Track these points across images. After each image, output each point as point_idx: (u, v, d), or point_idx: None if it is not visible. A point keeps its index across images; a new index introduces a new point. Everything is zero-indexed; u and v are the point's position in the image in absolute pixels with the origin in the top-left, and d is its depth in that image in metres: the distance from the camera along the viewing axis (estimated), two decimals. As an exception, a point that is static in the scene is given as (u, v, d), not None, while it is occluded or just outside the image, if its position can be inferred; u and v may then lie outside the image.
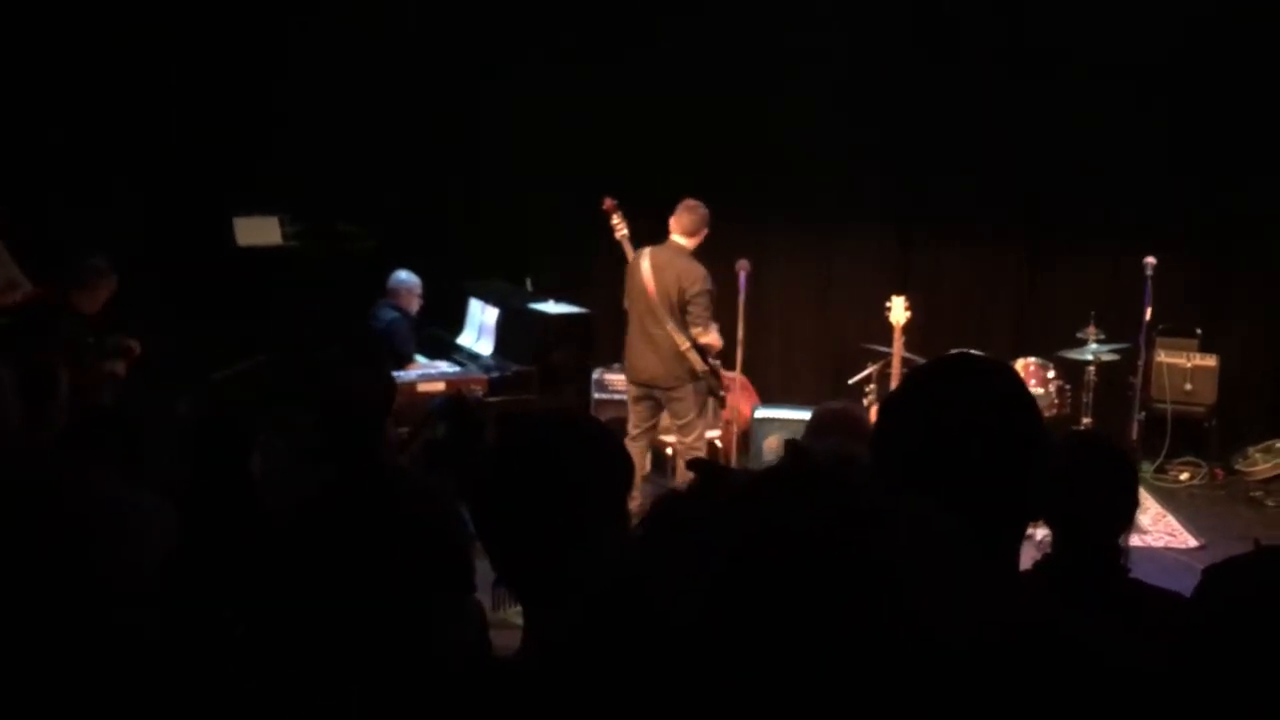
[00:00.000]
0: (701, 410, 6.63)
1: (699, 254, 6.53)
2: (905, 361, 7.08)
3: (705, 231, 6.49)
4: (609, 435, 1.84)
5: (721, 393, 6.67)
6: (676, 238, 6.46)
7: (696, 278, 6.32)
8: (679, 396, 6.48)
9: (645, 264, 6.45)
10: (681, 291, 6.33)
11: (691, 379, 6.46)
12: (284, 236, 8.09)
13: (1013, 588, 1.66)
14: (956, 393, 1.61)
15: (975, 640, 0.75)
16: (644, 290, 6.43)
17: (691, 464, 0.79)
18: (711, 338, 6.44)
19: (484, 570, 1.95)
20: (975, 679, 0.74)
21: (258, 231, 7.99)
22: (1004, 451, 1.57)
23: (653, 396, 6.59)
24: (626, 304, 6.69)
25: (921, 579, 0.70)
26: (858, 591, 0.68)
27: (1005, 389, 1.63)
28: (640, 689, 0.72)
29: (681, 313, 6.36)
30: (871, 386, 7.58)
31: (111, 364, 6.39)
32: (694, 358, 6.41)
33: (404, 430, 5.36)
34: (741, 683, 0.68)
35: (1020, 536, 1.68)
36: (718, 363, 6.67)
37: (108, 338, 6.48)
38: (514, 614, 4.28)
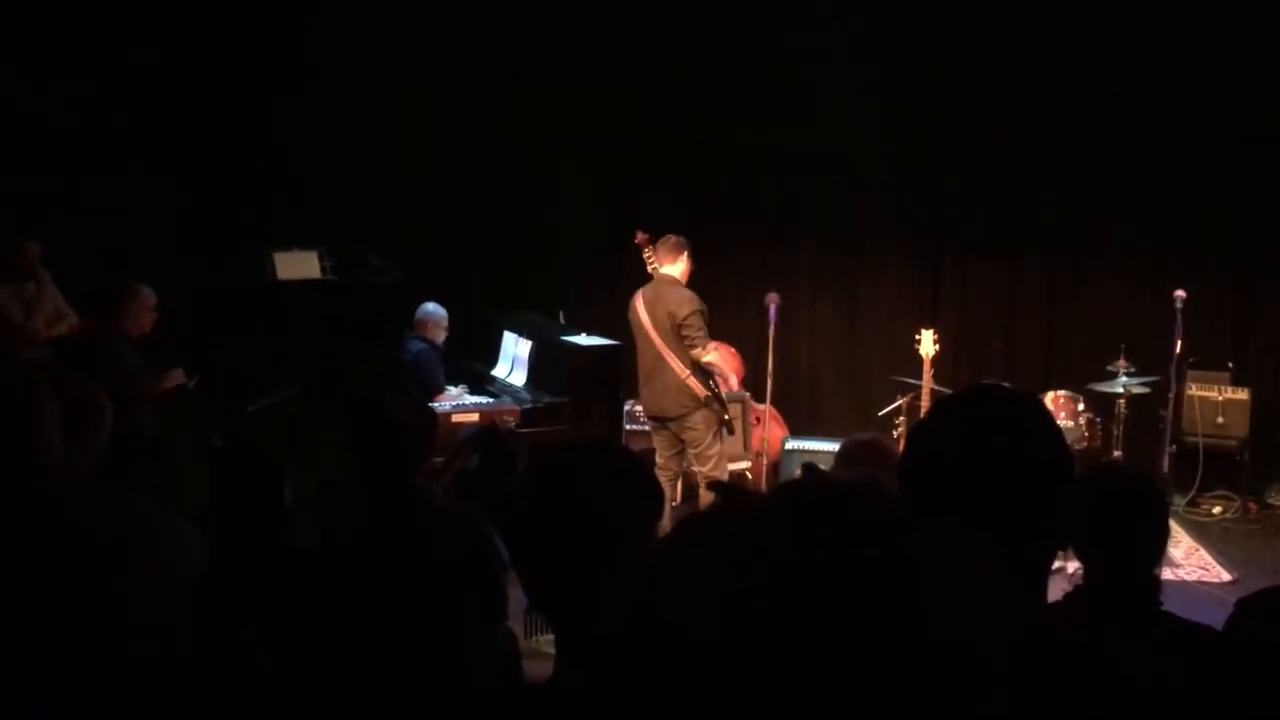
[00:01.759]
0: (716, 438, 6.65)
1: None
2: (934, 394, 7.09)
3: (686, 254, 6.65)
4: (639, 464, 1.87)
5: (726, 416, 6.68)
6: (663, 270, 6.65)
7: (684, 300, 6.50)
8: (691, 425, 6.59)
9: (639, 302, 6.68)
10: (672, 316, 6.49)
11: (699, 406, 6.53)
12: (322, 271, 8.19)
13: (1040, 610, 1.67)
14: (983, 423, 1.64)
15: (1001, 657, 0.76)
16: (642, 327, 6.66)
17: (712, 485, 0.82)
18: (714, 357, 6.53)
19: (517, 599, 1.97)
20: (1001, 695, 0.76)
21: (298, 266, 8.10)
22: (1030, 481, 1.60)
23: (668, 427, 6.69)
24: (637, 343, 6.84)
25: (946, 595, 0.72)
26: (880, 606, 0.70)
27: (1031, 419, 1.65)
28: (670, 714, 0.74)
29: (679, 339, 6.49)
30: (901, 419, 7.58)
31: (157, 382, 6.32)
32: (694, 385, 6.49)
33: (437, 460, 5.40)
34: (763, 703, 0.70)
35: (1048, 566, 1.69)
36: (726, 390, 6.69)
37: (156, 368, 6.45)
38: (546, 643, 4.32)
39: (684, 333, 6.45)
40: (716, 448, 6.64)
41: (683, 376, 6.49)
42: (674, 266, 6.63)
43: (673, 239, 6.69)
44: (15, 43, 7.83)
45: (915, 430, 1.76)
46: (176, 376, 6.42)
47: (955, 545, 0.75)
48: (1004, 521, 1.54)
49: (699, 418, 6.55)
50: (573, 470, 1.80)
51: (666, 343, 6.52)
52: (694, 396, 6.52)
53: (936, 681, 0.69)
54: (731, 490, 0.79)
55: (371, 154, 8.81)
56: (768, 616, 0.68)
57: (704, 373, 6.55)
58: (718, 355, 6.58)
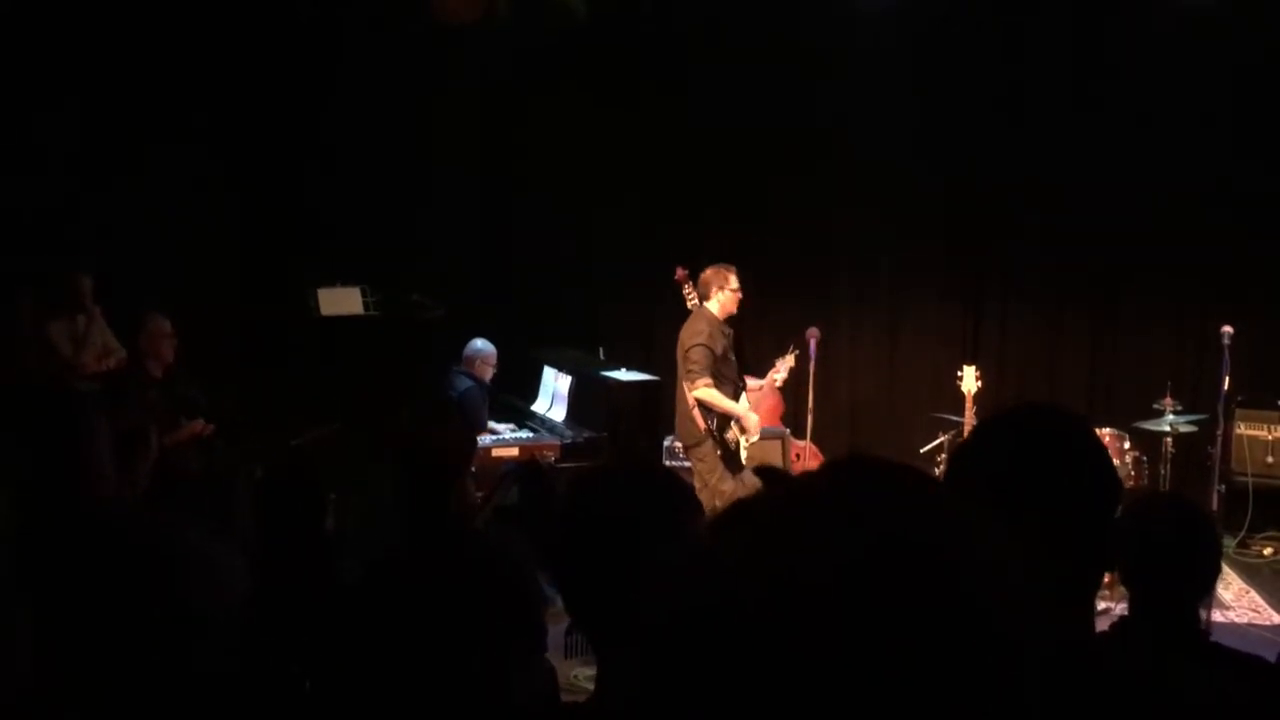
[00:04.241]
0: (727, 474, 6.50)
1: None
2: (977, 431, 7.02)
3: (717, 289, 6.56)
4: (678, 481, 1.87)
5: (719, 452, 6.49)
6: (702, 304, 6.65)
7: (692, 334, 6.50)
8: (698, 456, 6.56)
9: None
10: (681, 345, 6.52)
11: (705, 439, 6.49)
12: (365, 307, 8.26)
13: (1087, 633, 1.65)
14: (1026, 442, 1.63)
15: (1049, 658, 0.75)
16: None
17: (759, 471, 0.82)
18: (705, 394, 6.38)
19: (556, 632, 1.97)
20: (1047, 699, 0.74)
21: (340, 302, 8.18)
22: (1075, 500, 1.58)
23: (688, 457, 6.71)
24: None
25: (993, 581, 0.71)
26: (927, 590, 0.69)
27: (1077, 438, 1.64)
28: (714, 708, 0.72)
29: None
30: (943, 456, 7.51)
31: (183, 424, 6.34)
32: (698, 415, 6.47)
33: (478, 494, 5.42)
34: (808, 689, 0.69)
35: (1094, 588, 1.67)
36: (739, 435, 6.60)
37: (185, 393, 6.46)
38: (586, 679, 4.29)
39: (682, 363, 6.49)
40: (730, 484, 6.44)
41: (690, 406, 6.48)
42: (708, 302, 6.61)
43: (705, 275, 6.64)
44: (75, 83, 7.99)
45: (959, 449, 1.75)
46: (190, 429, 6.38)
47: (1000, 533, 0.74)
48: (1048, 541, 1.52)
49: (706, 449, 6.51)
50: (611, 487, 1.80)
51: (679, 372, 6.58)
52: (697, 428, 6.49)
53: (980, 668, 0.68)
54: (776, 474, 0.78)
55: (415, 190, 8.90)
56: (815, 599, 0.67)
57: (707, 407, 6.50)
58: (710, 394, 6.41)
